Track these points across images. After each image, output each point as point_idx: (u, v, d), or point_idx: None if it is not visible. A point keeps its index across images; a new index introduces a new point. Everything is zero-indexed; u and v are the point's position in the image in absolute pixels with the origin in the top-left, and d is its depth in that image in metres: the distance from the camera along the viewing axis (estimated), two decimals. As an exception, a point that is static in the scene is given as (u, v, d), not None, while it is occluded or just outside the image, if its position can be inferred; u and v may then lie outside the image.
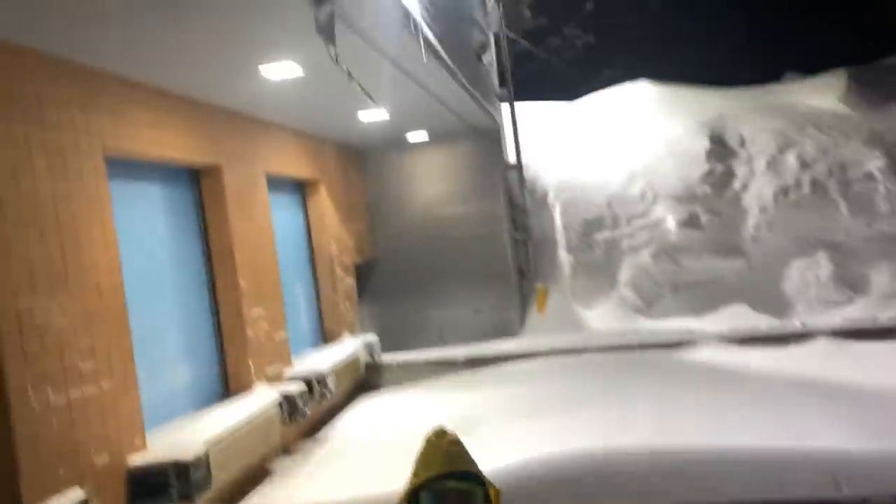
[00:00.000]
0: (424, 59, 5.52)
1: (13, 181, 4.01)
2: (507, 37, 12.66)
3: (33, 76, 4.30)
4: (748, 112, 13.64)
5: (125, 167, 5.47)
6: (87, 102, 4.77)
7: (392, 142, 10.45)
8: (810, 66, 16.69)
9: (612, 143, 13.39)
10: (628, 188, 12.39)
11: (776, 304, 10.26)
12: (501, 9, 12.23)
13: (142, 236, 5.68)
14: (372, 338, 9.44)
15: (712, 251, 11.24)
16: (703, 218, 11.67)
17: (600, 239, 11.70)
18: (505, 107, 11.99)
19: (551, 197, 12.30)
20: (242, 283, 6.65)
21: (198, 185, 6.59)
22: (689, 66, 19.06)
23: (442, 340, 10.41)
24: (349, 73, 4.82)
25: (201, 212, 6.59)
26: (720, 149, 12.79)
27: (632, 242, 11.61)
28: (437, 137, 10.57)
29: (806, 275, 10.56)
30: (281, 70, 5.66)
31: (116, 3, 3.86)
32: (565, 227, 11.82)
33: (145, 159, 5.68)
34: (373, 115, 8.13)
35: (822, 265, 10.53)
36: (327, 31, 4.30)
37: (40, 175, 4.22)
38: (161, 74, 5.38)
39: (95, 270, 4.60)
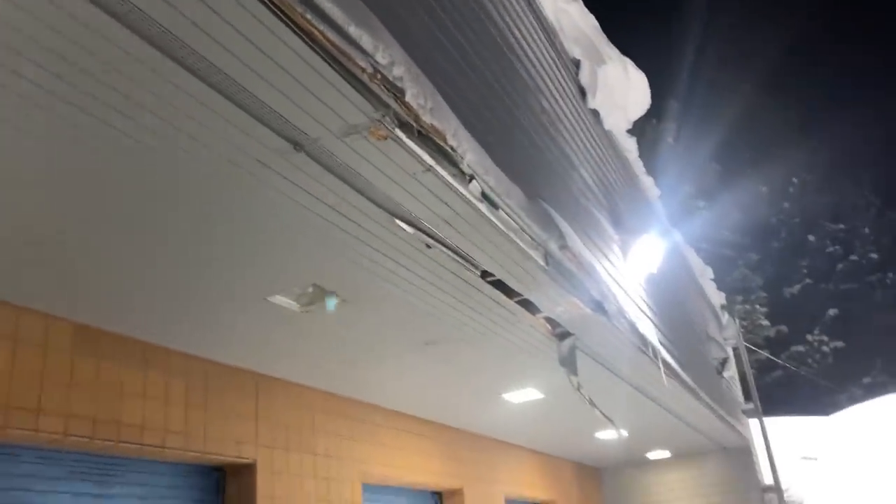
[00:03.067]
0: (665, 384, 5.50)
1: (285, 507, 4.39)
2: (747, 349, 12.24)
3: (311, 408, 4.90)
4: None
5: (375, 491, 5.75)
6: (352, 432, 5.26)
7: (632, 460, 10.01)
8: None
9: (887, 464, 11.69)
10: (919, 517, 10.48)
11: None
12: (738, 322, 12.04)
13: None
14: None
15: None
16: None
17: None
18: (754, 423, 11.17)
19: (821, 526, 10.71)
20: None
21: (440, 508, 6.68)
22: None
23: None
24: (590, 401, 4.91)
25: (442, 536, 6.60)
26: None
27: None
28: (680, 455, 9.97)
29: None
30: (522, 395, 5.91)
31: (388, 346, 4.41)
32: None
33: (395, 484, 5.96)
34: (611, 434, 7.97)
35: None
36: (569, 364, 4.51)
37: (308, 501, 4.58)
38: (414, 403, 5.85)
39: None
